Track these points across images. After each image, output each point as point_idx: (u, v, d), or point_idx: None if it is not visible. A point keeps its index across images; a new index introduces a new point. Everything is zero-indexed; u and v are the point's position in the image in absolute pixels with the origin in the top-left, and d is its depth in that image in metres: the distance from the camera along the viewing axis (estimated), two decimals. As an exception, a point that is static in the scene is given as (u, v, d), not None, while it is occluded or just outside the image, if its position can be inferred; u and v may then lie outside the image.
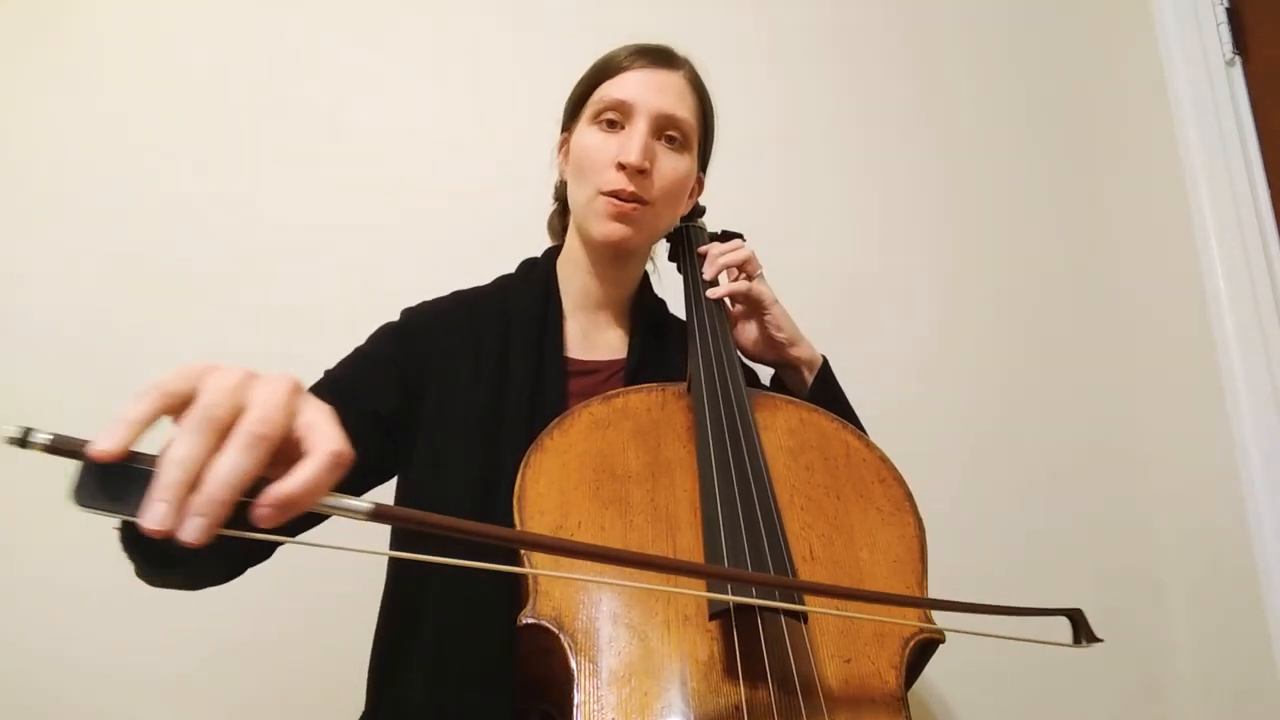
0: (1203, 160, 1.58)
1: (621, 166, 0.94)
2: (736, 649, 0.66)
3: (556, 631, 0.67)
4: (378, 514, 0.47)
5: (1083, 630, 0.72)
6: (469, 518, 0.87)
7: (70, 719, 1.20)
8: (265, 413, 0.45)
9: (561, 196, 1.13)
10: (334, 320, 1.36)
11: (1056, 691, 1.48)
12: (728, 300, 1.05)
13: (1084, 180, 1.76)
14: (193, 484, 0.42)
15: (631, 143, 0.94)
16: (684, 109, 0.99)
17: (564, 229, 1.10)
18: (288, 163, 1.45)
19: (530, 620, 0.68)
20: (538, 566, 0.71)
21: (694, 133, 1.01)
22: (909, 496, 0.86)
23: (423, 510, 0.90)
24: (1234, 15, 1.62)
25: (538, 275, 1.06)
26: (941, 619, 0.72)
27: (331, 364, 0.95)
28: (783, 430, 0.88)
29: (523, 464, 0.79)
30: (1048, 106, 1.78)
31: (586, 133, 0.99)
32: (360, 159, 1.48)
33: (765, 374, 1.13)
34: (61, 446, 0.40)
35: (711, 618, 0.68)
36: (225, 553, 0.71)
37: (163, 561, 0.66)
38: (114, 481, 0.41)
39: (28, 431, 0.39)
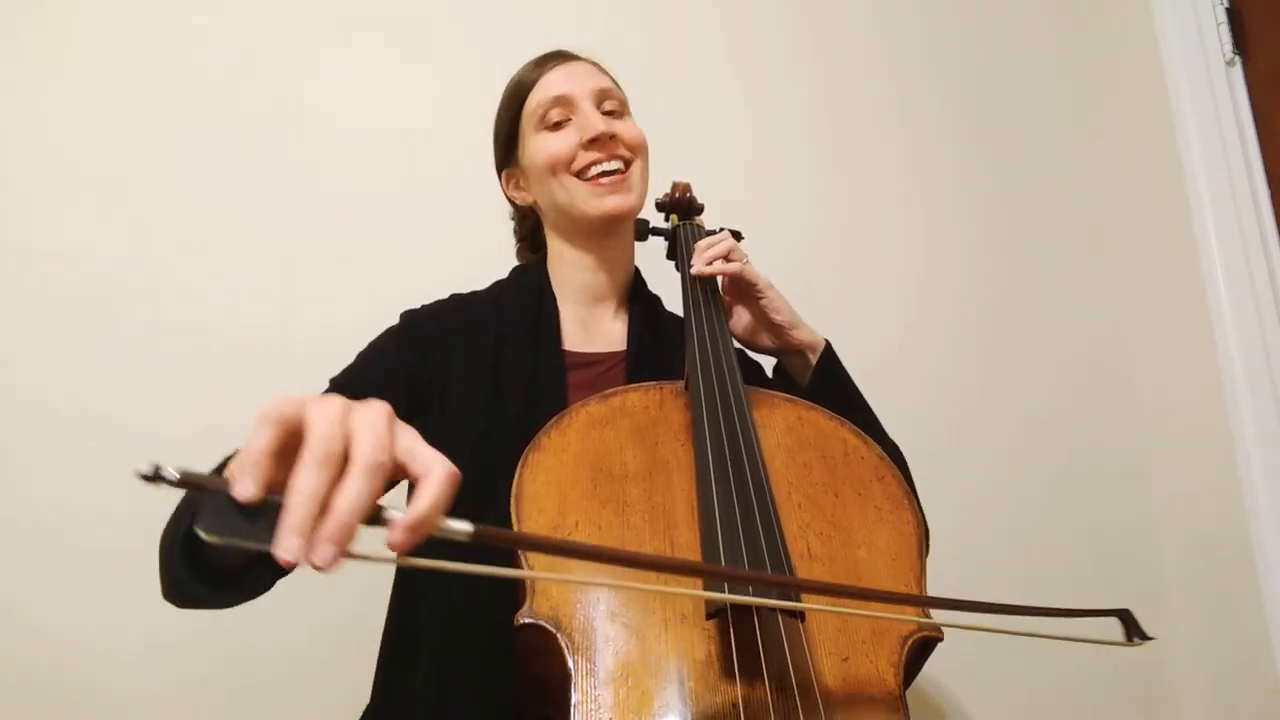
0: (1203, 160, 1.57)
1: (591, 142, 0.98)
2: (733, 648, 0.66)
3: (554, 631, 0.67)
4: (477, 535, 0.48)
5: (1134, 629, 0.73)
6: (464, 516, 0.88)
7: (73, 712, 1.21)
8: (376, 440, 0.47)
9: (523, 233, 1.15)
10: (333, 322, 1.37)
11: (1056, 691, 1.48)
12: (720, 287, 1.05)
13: (1084, 180, 1.76)
14: (320, 514, 0.44)
15: (588, 119, 0.99)
16: (609, 80, 1.06)
17: (535, 249, 1.13)
18: (283, 164, 1.45)
19: (528, 620, 0.68)
20: (536, 568, 0.71)
21: (624, 97, 1.07)
22: (908, 495, 0.85)
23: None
24: (1234, 15, 1.62)
25: (531, 276, 1.07)
26: (981, 620, 0.70)
27: (322, 358, 0.95)
28: (780, 428, 0.88)
29: (520, 462, 0.79)
30: (1048, 107, 1.78)
31: (538, 140, 1.02)
32: (358, 163, 1.47)
33: (770, 368, 1.13)
34: (191, 482, 0.42)
35: (709, 617, 0.68)
36: (275, 570, 0.72)
37: (216, 580, 0.70)
38: (242, 513, 0.42)
39: (157, 469, 0.41)
